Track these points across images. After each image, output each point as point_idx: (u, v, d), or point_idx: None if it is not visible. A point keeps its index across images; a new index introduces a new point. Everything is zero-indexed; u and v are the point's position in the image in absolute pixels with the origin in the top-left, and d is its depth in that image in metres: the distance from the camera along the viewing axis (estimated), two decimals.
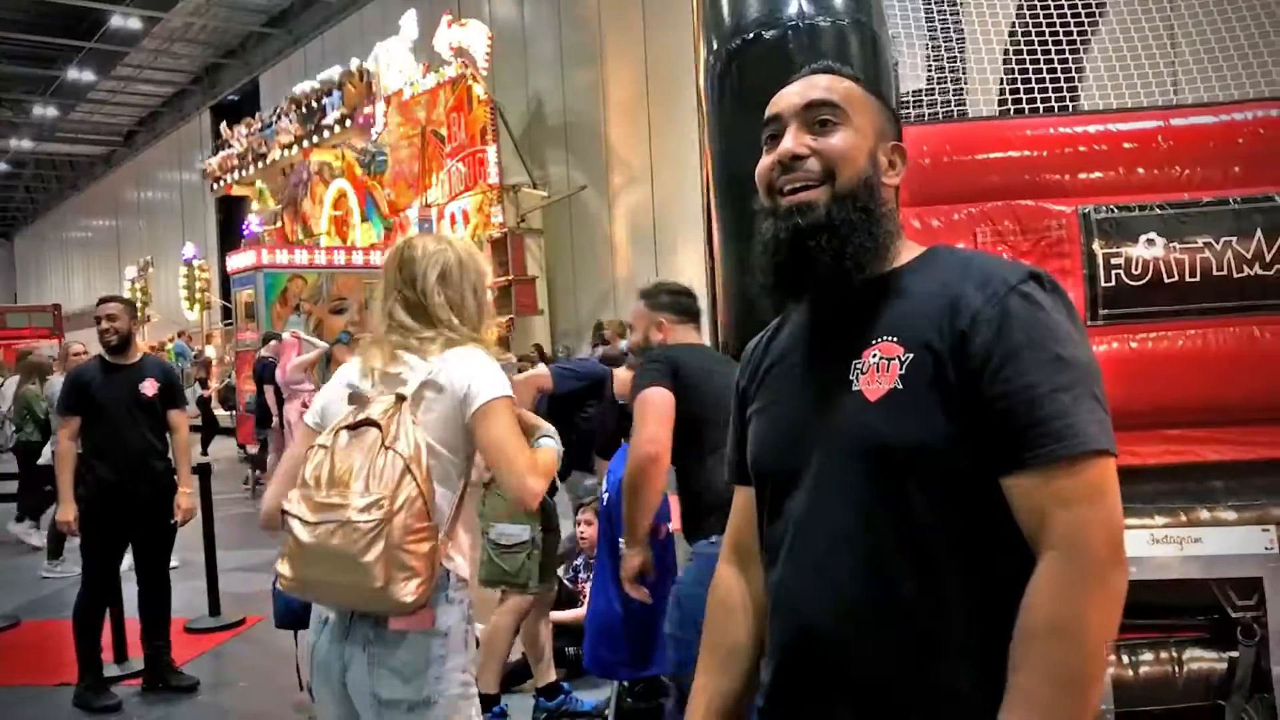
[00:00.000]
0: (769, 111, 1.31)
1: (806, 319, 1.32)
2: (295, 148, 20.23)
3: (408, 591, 1.90)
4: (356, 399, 2.03)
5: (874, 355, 1.18)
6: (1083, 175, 2.81)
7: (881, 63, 2.85)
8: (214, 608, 5.65)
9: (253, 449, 13.91)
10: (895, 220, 1.27)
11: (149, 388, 4.46)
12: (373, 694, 1.98)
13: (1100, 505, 1.07)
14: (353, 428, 1.98)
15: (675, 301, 3.06)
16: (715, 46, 2.96)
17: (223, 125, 22.72)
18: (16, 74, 24.26)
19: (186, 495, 4.54)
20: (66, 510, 4.33)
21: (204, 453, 14.05)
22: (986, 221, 2.80)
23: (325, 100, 19.03)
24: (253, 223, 20.97)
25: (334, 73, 18.85)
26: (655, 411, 2.63)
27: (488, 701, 3.70)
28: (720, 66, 2.94)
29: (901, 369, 1.15)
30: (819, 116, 1.25)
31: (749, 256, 2.87)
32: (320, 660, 2.07)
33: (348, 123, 18.52)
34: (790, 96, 1.29)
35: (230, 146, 22.10)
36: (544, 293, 16.04)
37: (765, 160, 1.28)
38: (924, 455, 1.13)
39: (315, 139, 19.62)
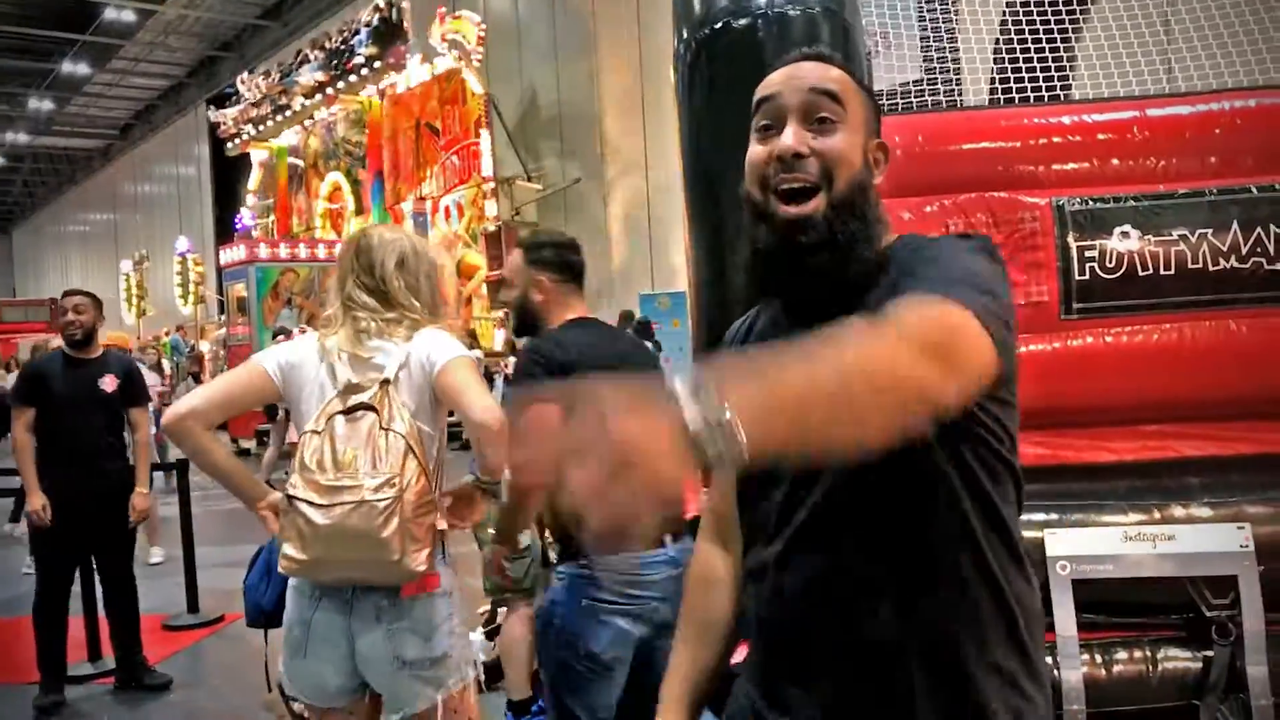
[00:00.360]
0: (762, 93, 1.26)
1: (787, 307, 1.31)
2: (319, 95, 18.63)
3: (419, 561, 2.08)
4: (351, 388, 2.14)
5: None
6: (1057, 166, 2.77)
7: (854, 52, 2.80)
8: (192, 604, 5.62)
9: (246, 443, 13.91)
10: (886, 220, 1.26)
11: (108, 383, 4.36)
12: (395, 658, 2.15)
13: (959, 317, 0.99)
14: (347, 413, 2.11)
15: (559, 258, 2.63)
16: (685, 36, 2.91)
17: (240, 76, 20.59)
18: (11, 67, 24.19)
19: (142, 496, 4.42)
20: (34, 498, 4.24)
21: None
22: (959, 214, 2.75)
23: (353, 40, 17.31)
24: (246, 217, 20.69)
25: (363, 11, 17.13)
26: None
27: (525, 705, 3.69)
28: (690, 56, 2.90)
29: None
30: (819, 113, 1.22)
31: (720, 245, 2.85)
32: (321, 636, 2.16)
33: (377, 64, 17.04)
34: (790, 84, 1.24)
35: (246, 98, 20.00)
36: None
37: (759, 150, 1.23)
38: None
39: (341, 84, 18.11)
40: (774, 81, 1.25)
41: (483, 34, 15.77)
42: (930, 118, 2.94)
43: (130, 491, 4.40)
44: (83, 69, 24.86)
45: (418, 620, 2.16)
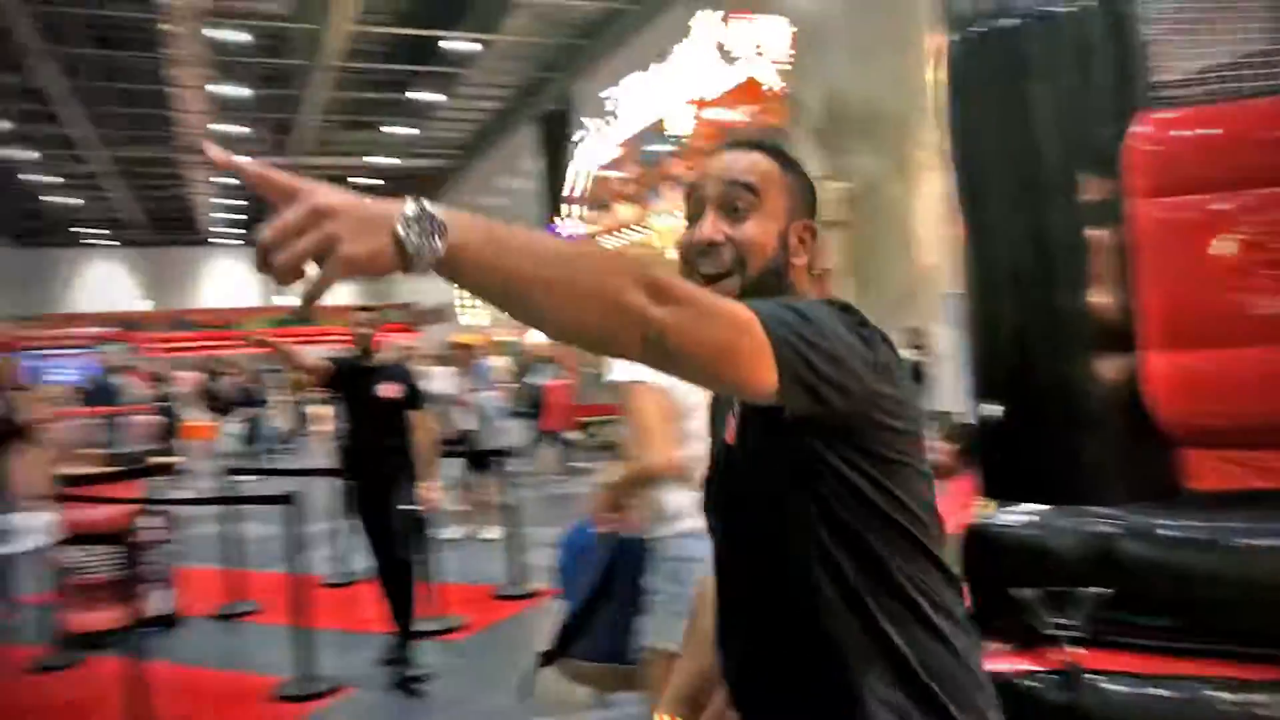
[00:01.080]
0: (691, 182, 1.42)
1: None
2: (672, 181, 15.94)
3: None
4: None
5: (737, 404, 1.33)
6: None
7: (1128, 46, 2.68)
8: (517, 578, 6.31)
9: (571, 433, 14.98)
10: (804, 297, 1.37)
11: (386, 390, 4.90)
12: None
13: (736, 307, 1.07)
14: None
15: None
16: (951, 36, 2.92)
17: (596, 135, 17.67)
18: (373, 100, 27.54)
19: (426, 488, 4.93)
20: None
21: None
22: (1258, 210, 2.52)
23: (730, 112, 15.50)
24: (562, 226, 21.69)
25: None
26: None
27: None
28: (956, 57, 2.90)
29: (741, 408, 1.31)
30: (734, 201, 1.35)
31: (983, 246, 2.81)
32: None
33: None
34: (712, 176, 1.39)
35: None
36: (846, 286, 15.81)
37: (686, 236, 1.39)
38: (767, 481, 1.24)
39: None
40: (704, 170, 1.41)
41: (794, 36, 15.84)
42: (1230, 107, 2.69)
43: (405, 482, 4.91)
44: (432, 97, 27.76)
45: None
